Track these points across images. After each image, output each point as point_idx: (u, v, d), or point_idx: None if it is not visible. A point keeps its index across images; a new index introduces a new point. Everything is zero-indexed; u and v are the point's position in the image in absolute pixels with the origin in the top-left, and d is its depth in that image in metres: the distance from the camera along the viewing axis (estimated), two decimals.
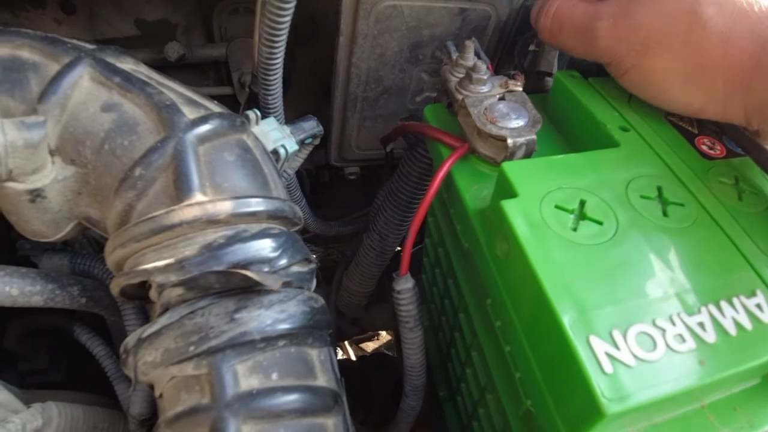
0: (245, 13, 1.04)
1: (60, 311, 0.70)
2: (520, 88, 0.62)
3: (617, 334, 0.39)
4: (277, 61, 0.63)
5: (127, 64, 0.54)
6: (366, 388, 1.11)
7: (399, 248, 0.98)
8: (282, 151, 0.58)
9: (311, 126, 0.66)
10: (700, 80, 0.54)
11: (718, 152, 0.59)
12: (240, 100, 1.07)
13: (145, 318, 0.66)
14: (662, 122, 0.61)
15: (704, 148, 0.59)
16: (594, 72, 0.68)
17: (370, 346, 1.94)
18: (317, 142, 0.70)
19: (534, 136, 0.57)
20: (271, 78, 0.64)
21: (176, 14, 1.04)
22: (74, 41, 0.54)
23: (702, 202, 0.51)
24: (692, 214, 0.50)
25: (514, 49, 0.92)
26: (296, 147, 0.61)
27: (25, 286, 0.61)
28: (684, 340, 0.40)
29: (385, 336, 1.94)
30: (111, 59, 0.52)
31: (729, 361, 0.40)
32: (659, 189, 0.51)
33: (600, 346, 0.38)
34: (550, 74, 0.87)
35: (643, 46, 0.55)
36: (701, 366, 0.39)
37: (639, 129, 0.59)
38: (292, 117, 0.87)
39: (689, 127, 0.61)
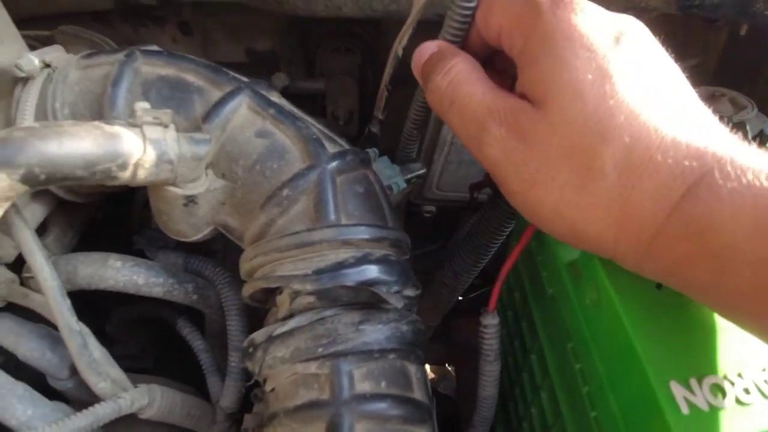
0: (345, 52, 1.15)
1: (165, 304, 0.80)
2: None
3: (692, 381, 0.46)
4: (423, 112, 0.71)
5: (275, 97, 0.64)
6: None
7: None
8: (395, 188, 0.68)
9: (417, 167, 0.75)
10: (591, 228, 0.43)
11: None
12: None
13: (246, 322, 0.75)
14: None
15: None
16: None
17: None
18: (419, 182, 0.79)
19: None
20: (415, 126, 0.72)
21: (283, 47, 1.17)
22: (231, 73, 0.65)
23: None
24: None
25: None
26: (405, 185, 0.70)
27: (150, 277, 0.72)
28: (749, 393, 0.47)
29: (428, 373, 2.01)
30: (264, 92, 0.63)
31: None
32: None
33: (678, 391, 0.46)
34: None
35: (532, 179, 0.43)
36: (759, 416, 0.46)
37: None
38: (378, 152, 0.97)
39: None
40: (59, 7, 0.97)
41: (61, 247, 0.75)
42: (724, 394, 0.46)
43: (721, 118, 0.85)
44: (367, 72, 1.18)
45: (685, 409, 0.45)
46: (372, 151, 0.69)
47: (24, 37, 0.71)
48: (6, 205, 0.50)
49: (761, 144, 0.83)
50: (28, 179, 0.48)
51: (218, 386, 0.78)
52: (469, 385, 1.01)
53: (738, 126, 0.82)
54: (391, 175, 0.69)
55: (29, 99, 0.63)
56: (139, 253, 0.82)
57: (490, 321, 0.70)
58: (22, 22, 0.72)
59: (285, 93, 1.15)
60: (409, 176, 0.73)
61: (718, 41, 1.30)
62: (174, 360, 0.93)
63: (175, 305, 0.79)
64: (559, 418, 0.67)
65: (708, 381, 0.47)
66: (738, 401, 0.46)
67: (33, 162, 0.48)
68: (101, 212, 0.82)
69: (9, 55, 0.66)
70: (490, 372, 0.72)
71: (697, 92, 1.20)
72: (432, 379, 1.97)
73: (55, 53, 0.66)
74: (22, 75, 0.64)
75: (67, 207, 0.73)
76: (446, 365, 1.83)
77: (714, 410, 0.45)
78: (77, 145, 0.49)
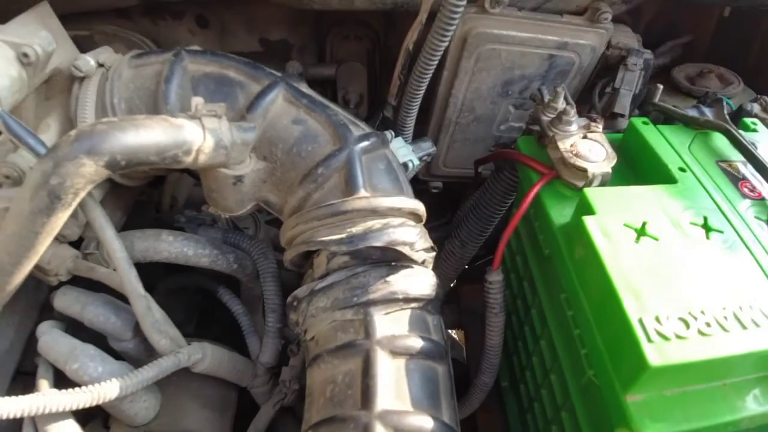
0: (355, 39, 1.27)
1: (205, 274, 0.93)
2: (600, 130, 0.83)
3: (662, 316, 0.59)
4: (420, 93, 0.84)
5: (305, 89, 0.76)
6: None
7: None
8: (410, 165, 0.80)
9: (428, 146, 0.88)
10: None
11: (756, 194, 0.78)
12: None
13: (280, 288, 0.88)
14: (714, 166, 0.81)
15: (746, 190, 0.78)
16: (661, 120, 0.88)
17: None
18: (430, 159, 0.92)
19: (609, 170, 0.77)
20: (413, 106, 0.85)
21: (295, 36, 1.29)
22: (267, 68, 0.77)
23: (738, 231, 0.71)
24: (729, 240, 0.70)
25: (593, 91, 1.13)
26: (418, 162, 0.83)
27: (198, 248, 0.85)
28: (710, 326, 0.60)
29: None
30: (296, 84, 0.75)
31: (741, 346, 0.59)
32: (705, 218, 0.71)
33: (650, 323, 0.59)
34: (623, 115, 1.07)
35: None
36: (719, 345, 0.58)
37: (694, 170, 0.79)
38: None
39: (735, 173, 0.81)
40: (89, 6, 1.08)
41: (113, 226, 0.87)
42: (688, 327, 0.59)
43: (709, 93, 0.98)
44: (375, 58, 1.30)
45: (655, 338, 0.58)
46: (389, 133, 0.82)
47: None
48: (90, 187, 0.62)
49: (737, 117, 0.95)
50: (111, 165, 0.60)
51: (256, 345, 0.91)
52: (476, 344, 1.14)
53: (716, 102, 0.94)
54: (406, 154, 0.82)
55: (88, 96, 0.75)
56: (180, 231, 0.94)
57: (495, 277, 0.83)
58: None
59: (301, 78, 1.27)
60: (421, 154, 0.86)
61: (709, 21, 1.42)
62: (212, 327, 1.06)
63: (215, 276, 0.92)
64: (556, 361, 0.80)
65: (675, 316, 0.60)
66: (700, 332, 0.59)
67: (115, 150, 0.59)
68: (144, 195, 0.94)
69: (65, 57, 0.78)
70: (495, 323, 0.85)
71: (686, 69, 1.34)
72: None
73: (106, 54, 0.79)
74: (80, 75, 0.76)
75: (118, 190, 0.85)
76: (456, 330, 1.97)
77: (679, 338, 0.58)
78: (150, 135, 0.61)
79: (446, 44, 0.78)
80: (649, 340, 0.58)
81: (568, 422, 0.77)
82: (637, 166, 0.86)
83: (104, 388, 0.70)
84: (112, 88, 0.74)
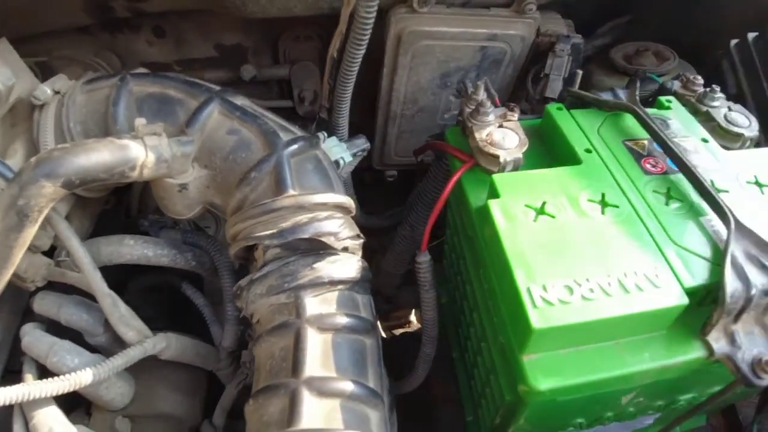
0: (305, 40, 1.37)
1: (171, 273, 1.04)
2: (516, 119, 0.93)
3: (549, 285, 0.70)
4: (347, 96, 0.95)
5: (239, 100, 0.87)
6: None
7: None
8: (341, 162, 0.91)
9: (361, 143, 0.98)
10: None
11: (658, 169, 0.88)
12: (299, 112, 1.41)
13: (236, 280, 0.99)
14: (619, 146, 0.91)
15: (648, 166, 0.88)
16: (578, 105, 0.99)
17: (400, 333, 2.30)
18: (365, 154, 1.02)
19: (520, 155, 0.87)
20: (343, 107, 0.96)
21: (248, 39, 1.38)
22: (205, 83, 0.88)
23: (634, 205, 0.81)
24: (624, 213, 0.79)
25: (526, 77, 1.23)
26: (351, 158, 0.93)
27: (158, 249, 0.96)
28: (593, 291, 0.70)
29: (415, 324, 2.28)
30: (230, 98, 0.86)
31: (621, 308, 0.69)
32: (603, 195, 0.81)
33: (536, 291, 0.69)
34: (555, 99, 1.17)
35: None
36: (601, 308, 0.69)
37: (600, 151, 0.89)
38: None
39: (640, 150, 0.91)
40: (46, 26, 1.18)
41: (82, 233, 0.99)
42: (572, 293, 0.69)
43: (638, 72, 1.07)
44: (327, 55, 1.39)
45: (540, 304, 0.68)
46: (322, 134, 0.92)
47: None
48: (51, 205, 0.74)
49: (659, 95, 1.04)
50: (67, 185, 0.71)
51: (219, 332, 1.02)
52: None
53: (631, 83, 1.04)
54: (338, 152, 0.93)
55: (47, 122, 0.86)
56: (144, 234, 1.06)
57: (423, 258, 0.93)
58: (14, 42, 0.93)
59: (254, 81, 1.37)
60: (354, 150, 0.96)
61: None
62: (186, 319, 1.18)
63: (179, 273, 1.04)
64: (484, 330, 0.91)
65: (560, 284, 0.69)
66: (583, 297, 0.68)
67: (70, 172, 0.71)
68: (109, 203, 1.06)
69: (25, 87, 0.89)
70: (428, 299, 0.96)
71: (625, 48, 1.44)
72: (418, 329, 2.25)
73: (61, 81, 0.89)
74: (39, 103, 0.87)
75: (83, 202, 0.97)
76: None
77: (563, 303, 0.68)
78: (99, 156, 0.72)
79: (363, 52, 0.88)
80: (534, 306, 0.67)
81: (495, 385, 0.89)
82: (551, 150, 0.96)
83: (79, 376, 0.81)
84: (68, 114, 0.85)
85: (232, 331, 0.99)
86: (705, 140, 0.93)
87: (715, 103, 1.01)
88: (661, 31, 1.50)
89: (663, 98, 1.03)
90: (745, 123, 0.99)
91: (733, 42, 1.23)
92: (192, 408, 1.01)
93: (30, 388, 0.78)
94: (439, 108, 1.26)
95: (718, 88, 1.02)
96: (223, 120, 0.84)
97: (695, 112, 1.01)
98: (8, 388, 0.77)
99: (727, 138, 0.97)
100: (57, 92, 0.88)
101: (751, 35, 1.20)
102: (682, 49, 1.39)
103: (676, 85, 1.09)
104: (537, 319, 0.67)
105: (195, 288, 1.06)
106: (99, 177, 0.73)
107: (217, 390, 1.05)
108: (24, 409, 0.84)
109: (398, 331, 2.31)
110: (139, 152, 0.75)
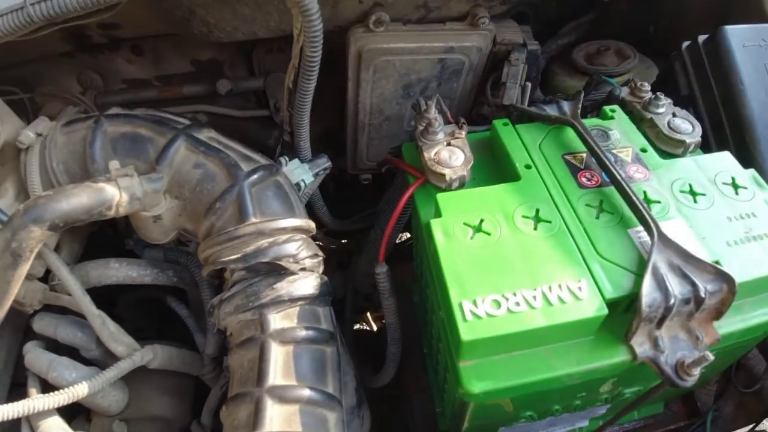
0: (277, 51, 1.46)
1: (158, 287, 1.16)
2: (463, 136, 1.02)
3: (479, 300, 0.79)
4: (305, 123, 1.05)
5: (204, 134, 0.98)
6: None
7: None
8: (302, 184, 1.02)
9: (323, 162, 1.09)
10: None
11: (593, 183, 0.96)
12: (275, 120, 1.51)
13: (215, 291, 1.11)
14: (559, 160, 0.99)
15: (583, 179, 0.96)
16: (525, 119, 1.07)
17: None
18: (327, 172, 1.13)
19: (465, 173, 0.95)
20: (302, 133, 1.06)
21: (223, 54, 1.48)
22: (174, 119, 0.98)
23: (565, 219, 0.89)
24: (555, 228, 0.87)
25: (485, 85, 1.32)
26: (312, 179, 1.04)
27: (140, 270, 1.08)
28: (519, 305, 0.79)
29: None
30: (195, 133, 0.96)
31: (544, 319, 0.77)
32: (537, 211, 0.89)
33: (467, 305, 0.79)
34: (515, 106, 1.26)
35: None
36: (525, 320, 0.78)
37: (539, 166, 0.97)
38: (318, 132, 1.27)
39: (578, 164, 0.99)
40: (28, 55, 1.27)
41: (72, 258, 1.11)
42: (499, 306, 0.77)
43: (593, 76, 1.11)
44: None
45: (469, 317, 0.77)
46: (283, 159, 1.03)
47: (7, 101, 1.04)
48: (40, 245, 0.86)
49: (607, 103, 1.11)
50: (52, 227, 0.83)
51: (202, 340, 1.14)
52: (408, 319, 1.37)
53: (576, 95, 1.11)
54: (300, 174, 1.03)
55: (33, 163, 0.97)
56: (131, 252, 1.18)
57: (381, 269, 1.04)
58: None
59: (231, 94, 1.46)
60: (316, 170, 1.07)
61: None
62: (169, 329, 1.31)
63: (165, 288, 1.16)
64: (440, 332, 1.02)
65: (489, 298, 0.78)
66: (509, 310, 0.77)
67: (54, 216, 0.82)
68: (96, 227, 1.18)
69: (11, 129, 1.00)
70: (388, 305, 1.07)
71: (587, 47, 1.50)
72: None
73: (42, 124, 1.00)
74: (24, 146, 0.98)
75: (72, 228, 1.08)
76: None
77: (490, 317, 0.77)
78: (78, 200, 0.83)
79: (314, 84, 0.96)
80: (464, 319, 0.75)
81: (450, 383, 0.99)
82: (498, 165, 1.04)
83: (77, 389, 0.93)
84: (50, 155, 0.96)
85: (213, 339, 1.10)
86: (644, 150, 0.98)
87: (660, 110, 1.05)
88: (626, 27, 1.56)
89: (607, 108, 1.08)
90: (688, 129, 1.02)
91: (685, 44, 1.28)
92: (181, 410, 1.15)
93: (35, 402, 0.90)
94: (405, 116, 1.36)
95: (662, 95, 1.06)
96: (189, 155, 0.94)
97: (641, 119, 1.06)
98: (16, 403, 0.89)
99: (670, 144, 1.02)
100: (39, 134, 0.99)
101: (701, 38, 1.25)
102: (647, 45, 1.45)
103: (624, 92, 1.14)
104: (465, 331, 0.75)
105: (179, 300, 1.18)
106: (80, 218, 0.84)
107: (204, 392, 1.18)
108: (30, 420, 0.96)
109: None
110: (113, 193, 0.86)
